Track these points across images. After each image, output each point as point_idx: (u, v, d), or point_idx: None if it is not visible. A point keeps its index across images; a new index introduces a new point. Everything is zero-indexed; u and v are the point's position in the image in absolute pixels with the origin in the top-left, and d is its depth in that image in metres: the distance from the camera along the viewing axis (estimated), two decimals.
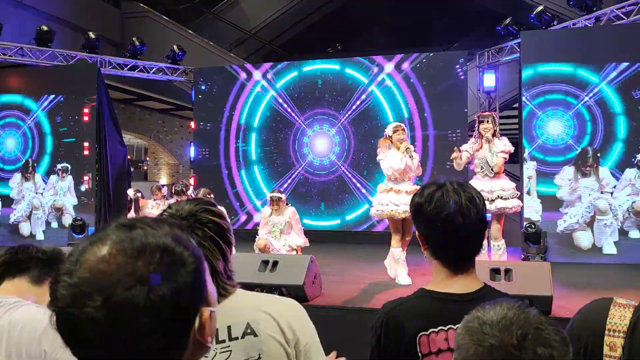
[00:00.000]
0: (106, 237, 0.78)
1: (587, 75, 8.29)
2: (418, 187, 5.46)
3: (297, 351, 1.42)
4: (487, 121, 6.19)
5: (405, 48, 12.27)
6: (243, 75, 11.50)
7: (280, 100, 11.23)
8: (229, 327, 1.38)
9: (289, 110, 11.19)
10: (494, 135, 6.17)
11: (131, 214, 8.10)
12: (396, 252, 6.05)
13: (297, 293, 4.96)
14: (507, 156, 6.19)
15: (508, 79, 10.73)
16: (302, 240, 7.05)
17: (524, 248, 7.75)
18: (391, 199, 5.99)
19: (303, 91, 11.13)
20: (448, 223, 1.53)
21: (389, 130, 6.14)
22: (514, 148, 6.38)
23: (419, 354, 1.51)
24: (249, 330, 1.39)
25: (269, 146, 11.37)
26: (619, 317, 1.39)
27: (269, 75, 11.32)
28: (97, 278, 0.74)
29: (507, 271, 4.73)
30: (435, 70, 10.30)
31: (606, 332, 1.39)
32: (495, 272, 4.74)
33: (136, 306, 0.72)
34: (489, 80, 10.30)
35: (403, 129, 6.13)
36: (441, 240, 1.57)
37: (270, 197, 7.07)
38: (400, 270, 6.06)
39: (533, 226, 7.59)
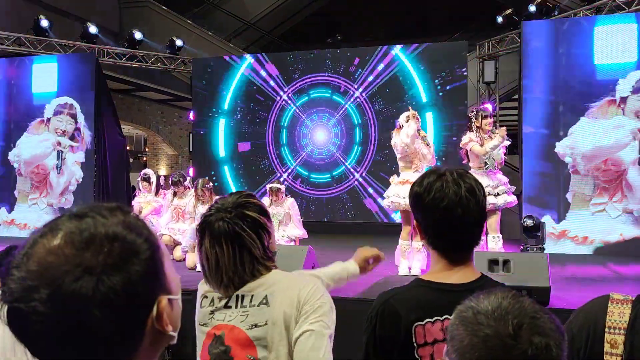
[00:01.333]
0: (56, 229, 0.76)
1: None
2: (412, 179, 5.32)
3: (299, 313, 1.63)
4: (490, 116, 6.18)
5: (405, 38, 12.22)
6: (242, 65, 11.45)
7: (279, 90, 11.19)
8: (252, 296, 1.67)
9: (287, 100, 11.16)
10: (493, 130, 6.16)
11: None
12: (403, 244, 6.04)
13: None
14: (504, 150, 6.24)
15: (508, 69, 10.69)
16: (301, 232, 7.05)
17: (523, 240, 7.75)
18: (402, 191, 5.93)
19: (302, 81, 11.09)
20: (447, 214, 1.52)
21: (401, 120, 6.06)
22: (509, 142, 6.36)
23: (415, 344, 1.51)
24: (264, 301, 1.65)
25: (268, 137, 11.34)
26: (618, 314, 1.39)
27: (267, 66, 11.27)
28: (45, 270, 0.72)
29: (505, 262, 4.73)
30: (435, 61, 10.26)
31: (606, 329, 1.39)
32: (493, 262, 4.74)
33: (84, 297, 0.71)
34: (489, 71, 10.26)
35: (415, 117, 6.01)
36: (440, 230, 1.56)
37: (270, 188, 7.07)
38: (402, 262, 6.04)
39: (532, 218, 7.58)
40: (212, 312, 1.71)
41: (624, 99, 8.10)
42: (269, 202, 7.02)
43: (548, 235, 7.89)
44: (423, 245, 5.46)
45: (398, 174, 6.22)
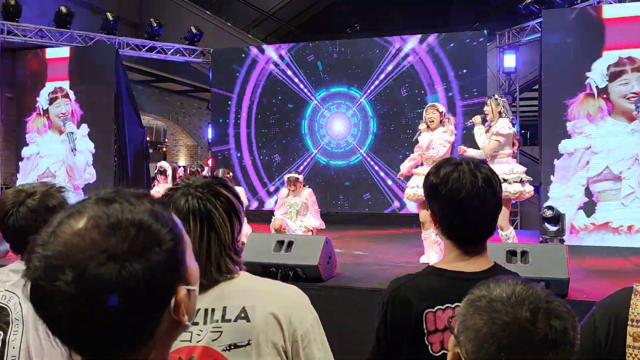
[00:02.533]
0: (84, 211, 0.77)
1: None
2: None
3: (293, 341, 1.35)
4: (487, 104, 6.04)
5: (424, 28, 12.11)
6: (260, 56, 11.46)
7: (297, 81, 11.19)
8: (224, 308, 1.35)
9: (305, 91, 11.15)
10: (497, 117, 5.92)
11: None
12: (423, 234, 6.03)
13: (311, 273, 4.98)
14: (501, 139, 5.80)
15: (529, 59, 10.55)
16: (318, 222, 7.06)
17: (542, 231, 7.67)
18: (412, 182, 6.05)
19: (320, 72, 11.08)
20: (464, 205, 1.51)
21: (420, 126, 6.14)
22: (508, 132, 5.86)
23: (425, 331, 1.51)
24: (242, 315, 1.33)
25: (285, 127, 11.36)
26: None
27: (286, 57, 11.27)
28: (70, 252, 0.73)
29: (523, 253, 4.69)
30: (455, 51, 10.17)
31: (629, 322, 1.38)
32: (511, 254, 4.70)
33: (107, 283, 0.72)
34: (509, 61, 10.14)
35: (432, 108, 6.02)
36: (455, 221, 1.55)
37: (288, 178, 7.08)
38: (428, 251, 6.00)
39: (551, 209, 7.51)
40: None
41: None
42: (287, 192, 7.04)
43: (582, 228, 7.79)
44: (436, 234, 5.43)
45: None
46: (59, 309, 0.73)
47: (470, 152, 6.03)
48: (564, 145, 8.22)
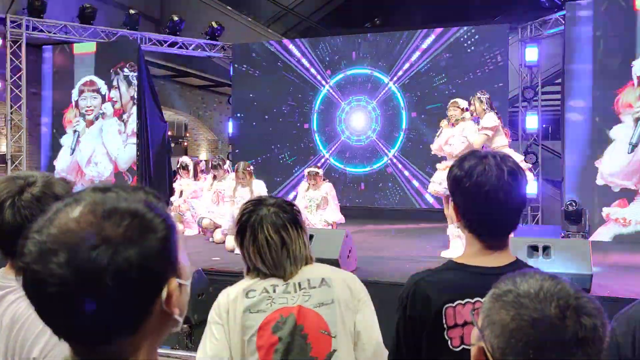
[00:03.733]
0: (80, 199, 0.78)
1: None
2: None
3: (357, 300, 1.84)
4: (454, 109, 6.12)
5: (445, 22, 12.01)
6: (281, 51, 11.48)
7: (317, 76, 11.18)
8: (308, 280, 1.81)
9: (325, 85, 11.15)
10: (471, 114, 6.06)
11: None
12: (450, 227, 6.05)
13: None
14: (489, 132, 5.90)
15: (551, 52, 10.41)
16: (338, 217, 7.07)
17: (564, 226, 7.60)
18: (436, 177, 6.18)
19: (341, 66, 11.06)
20: (488, 199, 1.48)
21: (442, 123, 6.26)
22: (494, 124, 5.94)
23: (445, 326, 1.50)
24: (324, 283, 1.82)
25: (306, 122, 11.37)
26: None
27: (306, 51, 11.27)
28: (65, 236, 0.74)
29: (545, 248, 4.66)
30: (476, 45, 10.08)
31: None
32: (533, 249, 4.68)
33: (99, 266, 0.72)
34: (532, 54, 10.01)
35: (454, 105, 6.12)
36: (479, 215, 1.52)
37: (308, 172, 7.11)
38: (451, 246, 6.03)
39: (574, 204, 7.43)
40: (269, 299, 1.78)
41: None
42: (307, 187, 7.06)
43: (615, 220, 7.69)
44: (457, 227, 5.43)
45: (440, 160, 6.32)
46: (51, 291, 0.73)
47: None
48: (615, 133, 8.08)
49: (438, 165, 6.28)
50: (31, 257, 0.74)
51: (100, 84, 10.81)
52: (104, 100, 10.81)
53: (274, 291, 1.78)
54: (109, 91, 10.77)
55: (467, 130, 5.96)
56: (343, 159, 11.08)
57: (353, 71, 10.98)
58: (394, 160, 10.70)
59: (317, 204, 6.97)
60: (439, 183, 6.06)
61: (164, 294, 0.79)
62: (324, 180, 7.17)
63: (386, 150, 10.75)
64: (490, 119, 5.93)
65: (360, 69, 10.92)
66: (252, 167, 7.19)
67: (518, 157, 5.96)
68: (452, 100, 6.25)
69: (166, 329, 0.83)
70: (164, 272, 0.79)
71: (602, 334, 0.88)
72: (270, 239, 1.79)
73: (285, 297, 1.77)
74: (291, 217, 1.85)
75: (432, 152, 6.43)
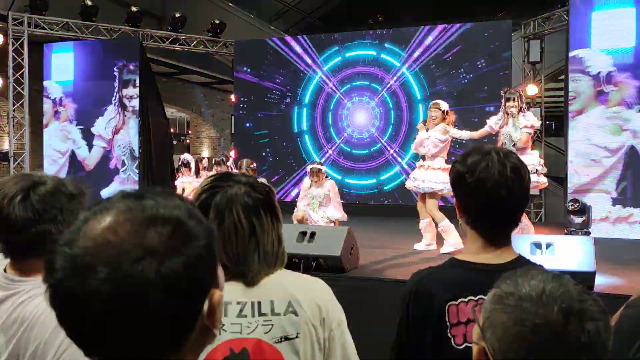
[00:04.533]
0: (111, 206, 0.72)
1: None
2: (435, 165, 5.38)
3: (330, 330, 1.43)
4: (514, 99, 6.10)
5: (447, 18, 11.98)
6: (283, 48, 11.46)
7: (319, 72, 11.17)
8: (272, 302, 1.40)
9: (328, 82, 11.13)
10: (520, 111, 6.04)
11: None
12: (422, 222, 6.37)
13: (334, 264, 4.99)
14: (531, 131, 6.04)
15: (555, 49, 10.37)
16: (341, 214, 7.05)
17: (568, 223, 7.57)
18: (416, 175, 6.37)
19: (343, 63, 11.04)
20: (490, 195, 1.47)
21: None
22: (539, 123, 6.23)
23: (448, 324, 1.49)
24: (290, 309, 1.39)
25: (309, 119, 11.36)
26: None
27: (308, 48, 11.25)
28: (102, 248, 0.67)
29: (548, 245, 4.64)
30: (479, 41, 10.05)
31: None
32: (536, 246, 4.66)
33: (146, 280, 0.66)
34: (534, 50, 9.98)
35: (435, 106, 6.30)
36: (481, 211, 1.51)
37: (310, 169, 7.09)
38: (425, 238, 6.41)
39: (577, 201, 7.40)
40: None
41: None
42: (309, 184, 7.05)
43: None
44: (460, 224, 5.44)
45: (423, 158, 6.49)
46: (90, 310, 0.66)
47: (459, 133, 6.32)
48: None
49: (417, 163, 6.54)
50: (63, 273, 0.67)
51: None
52: None
53: (225, 314, 1.37)
54: None
55: (438, 134, 6.24)
56: (346, 155, 11.06)
57: (355, 68, 10.95)
58: (395, 155, 10.67)
59: (320, 202, 6.96)
60: (413, 179, 6.38)
61: (206, 307, 0.74)
62: (326, 177, 7.14)
63: (388, 147, 10.73)
64: (534, 117, 6.05)
65: (363, 66, 10.90)
66: (255, 164, 7.19)
67: (535, 160, 6.03)
68: (433, 102, 6.42)
69: (205, 344, 0.77)
70: (209, 281, 0.74)
71: (606, 337, 0.87)
72: (239, 224, 1.39)
73: (239, 324, 1.37)
74: (266, 201, 1.44)
75: (412, 151, 6.69)
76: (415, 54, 10.47)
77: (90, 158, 10.83)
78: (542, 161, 6.17)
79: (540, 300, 0.87)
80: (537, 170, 5.93)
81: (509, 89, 6.64)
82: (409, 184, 6.49)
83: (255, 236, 1.41)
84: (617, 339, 0.94)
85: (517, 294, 0.89)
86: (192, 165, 8.42)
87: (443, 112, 6.25)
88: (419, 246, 6.43)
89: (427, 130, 6.32)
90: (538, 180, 5.96)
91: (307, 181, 7.16)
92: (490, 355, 0.90)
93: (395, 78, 10.64)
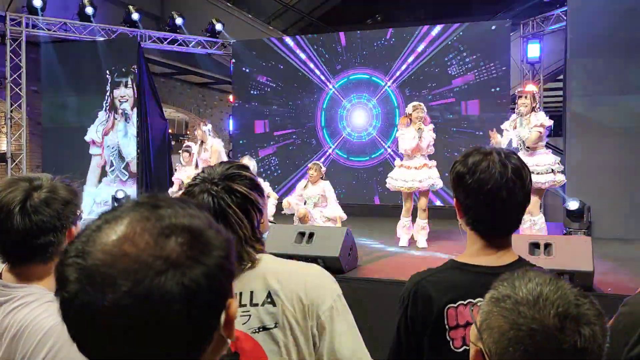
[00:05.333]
0: (125, 215, 0.69)
1: None
2: (428, 163, 5.49)
3: (317, 319, 1.39)
4: (525, 97, 6.17)
5: (446, 18, 11.98)
6: (282, 48, 11.45)
7: (318, 73, 11.16)
8: (251, 293, 1.40)
9: (326, 82, 11.12)
10: (532, 111, 6.09)
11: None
12: (404, 220, 6.64)
13: (333, 265, 4.98)
14: (542, 130, 6.04)
15: (553, 49, 10.37)
16: (340, 212, 7.05)
17: (567, 223, 7.58)
18: (400, 175, 6.51)
19: (341, 63, 11.03)
20: (491, 196, 1.46)
21: (409, 109, 6.60)
22: (552, 122, 6.25)
23: (446, 326, 1.49)
24: (269, 299, 1.39)
25: (306, 119, 11.35)
26: None
27: (306, 48, 11.24)
28: (120, 260, 0.65)
29: (547, 245, 4.64)
30: (478, 41, 10.04)
31: None
32: (534, 246, 4.66)
33: (169, 293, 0.64)
34: (534, 50, 9.97)
35: (422, 108, 6.51)
36: (481, 212, 1.50)
37: (313, 164, 7.16)
38: (403, 236, 6.65)
39: (576, 201, 7.41)
40: None
41: None
42: (305, 184, 7.08)
43: None
44: (459, 225, 5.49)
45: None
46: (110, 325, 0.64)
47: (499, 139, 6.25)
48: None
49: (396, 162, 6.73)
50: (79, 286, 0.64)
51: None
52: None
53: None
54: None
55: (431, 133, 6.53)
56: (345, 155, 11.05)
57: (354, 68, 10.94)
58: (393, 154, 10.67)
59: (315, 202, 6.96)
60: (394, 179, 6.59)
61: (222, 318, 0.72)
62: (322, 178, 7.15)
63: (386, 147, 10.72)
64: (546, 117, 6.14)
65: (361, 66, 10.89)
66: (253, 162, 7.27)
67: (551, 159, 6.10)
68: (416, 103, 6.61)
69: (219, 354, 0.75)
70: (226, 291, 0.72)
71: (602, 341, 0.87)
72: None
73: None
74: (237, 199, 1.42)
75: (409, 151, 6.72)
76: (414, 54, 10.45)
77: (90, 171, 10.76)
78: (559, 159, 6.21)
79: (537, 304, 0.87)
80: (552, 169, 6.04)
81: (522, 89, 6.79)
82: (401, 184, 6.53)
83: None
84: (613, 338, 0.94)
85: (513, 297, 0.89)
86: (194, 150, 8.31)
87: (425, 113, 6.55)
88: (405, 242, 6.66)
89: (420, 130, 6.43)
90: (555, 180, 6.04)
91: (302, 182, 7.18)
92: (487, 357, 0.90)
93: (394, 78, 10.63)
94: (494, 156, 1.48)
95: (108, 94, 10.70)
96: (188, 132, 18.73)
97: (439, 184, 6.53)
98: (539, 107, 6.22)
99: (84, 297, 0.64)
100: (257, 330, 1.39)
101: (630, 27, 7.87)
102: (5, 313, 1.36)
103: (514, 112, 6.41)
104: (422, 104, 6.64)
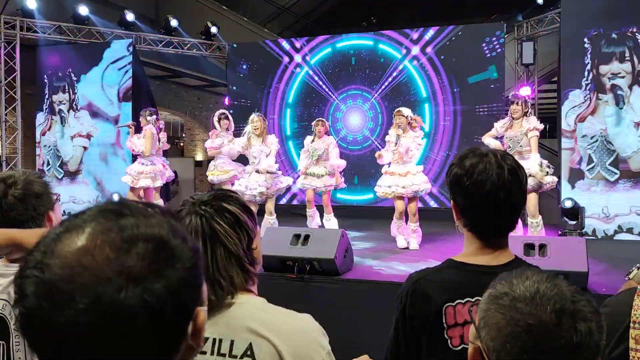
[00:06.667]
0: (86, 225, 0.66)
1: None
2: (411, 170, 5.51)
3: None
4: (517, 103, 6.32)
5: (440, 21, 12.02)
6: (277, 50, 11.46)
7: (314, 75, 11.17)
8: (232, 342, 1.32)
9: (322, 85, 11.13)
10: (524, 116, 6.29)
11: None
12: (398, 222, 6.75)
13: (328, 267, 4.99)
14: (538, 134, 6.21)
15: (547, 51, 10.41)
16: (342, 162, 7.39)
17: (562, 224, 7.61)
18: (385, 181, 6.64)
19: (337, 66, 11.04)
20: (489, 198, 1.47)
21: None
22: (542, 126, 6.38)
23: (445, 325, 1.50)
24: (249, 352, 1.31)
25: (304, 122, 11.35)
26: None
27: (302, 51, 11.26)
28: (79, 274, 0.62)
29: (542, 246, 4.66)
30: (472, 43, 10.07)
31: (631, 324, 1.35)
32: (529, 247, 4.68)
33: (130, 309, 0.62)
34: (528, 52, 10.01)
35: (402, 114, 6.62)
36: (479, 214, 1.52)
37: (318, 120, 7.48)
38: (399, 237, 6.75)
39: (571, 202, 7.44)
40: None
41: None
42: (312, 138, 7.40)
43: None
44: (457, 226, 5.54)
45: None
46: (68, 341, 0.62)
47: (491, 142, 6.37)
48: None
49: (383, 169, 6.80)
50: (37, 301, 0.62)
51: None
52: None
53: None
54: None
55: (417, 138, 6.61)
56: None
57: (349, 70, 10.95)
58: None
59: (319, 155, 7.23)
60: (386, 186, 6.62)
61: (190, 327, 0.70)
62: (326, 133, 7.47)
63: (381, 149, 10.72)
64: (535, 120, 6.32)
65: (357, 68, 10.90)
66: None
67: (542, 160, 6.21)
68: (397, 110, 6.74)
69: None
70: (193, 303, 0.70)
71: (598, 338, 0.88)
72: None
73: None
74: (210, 223, 1.37)
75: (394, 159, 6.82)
76: (409, 56, 10.48)
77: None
78: (547, 162, 6.28)
79: (534, 301, 0.88)
80: (547, 172, 6.14)
81: (515, 93, 6.91)
82: (385, 190, 6.63)
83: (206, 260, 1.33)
84: None
85: (511, 294, 0.90)
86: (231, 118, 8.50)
87: (406, 117, 6.60)
88: (403, 243, 6.71)
89: (398, 136, 6.58)
90: (546, 181, 6.14)
91: (309, 138, 7.51)
92: (485, 355, 0.91)
93: (390, 79, 10.64)
94: (490, 158, 1.49)
95: (47, 97, 10.82)
96: (184, 135, 18.71)
97: (426, 188, 6.61)
98: (530, 112, 6.38)
99: (42, 312, 0.62)
100: None
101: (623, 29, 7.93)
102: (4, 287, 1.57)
103: (507, 115, 6.55)
104: (403, 109, 6.71)
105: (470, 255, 1.55)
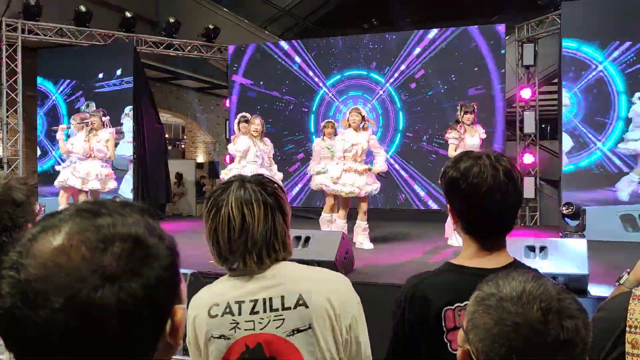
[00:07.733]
0: (62, 225, 0.66)
1: None
2: (358, 167, 5.51)
3: (344, 322, 1.50)
4: (471, 112, 6.78)
5: (441, 22, 12.03)
6: (277, 52, 11.47)
7: (313, 76, 11.17)
8: (282, 297, 1.47)
9: (322, 86, 11.13)
10: (473, 123, 6.82)
11: None
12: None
13: (328, 269, 4.98)
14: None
15: (548, 52, 10.40)
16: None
17: (562, 226, 7.60)
18: (342, 178, 6.76)
19: (336, 67, 11.05)
20: (486, 200, 1.47)
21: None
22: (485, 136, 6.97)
23: (444, 328, 1.50)
24: (301, 302, 1.47)
25: (304, 123, 11.36)
26: (639, 312, 1.34)
27: (302, 53, 11.26)
28: (55, 274, 0.62)
29: (542, 248, 4.65)
30: (473, 45, 10.07)
31: (627, 329, 1.35)
32: (530, 249, 4.67)
33: (105, 308, 0.62)
34: (528, 54, 10.01)
35: (356, 111, 6.81)
36: (477, 216, 1.52)
37: (327, 121, 7.65)
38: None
39: (571, 204, 7.43)
40: (234, 322, 1.46)
41: None
42: (322, 137, 7.50)
43: None
44: (454, 229, 5.55)
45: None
46: (43, 340, 0.62)
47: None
48: None
49: (345, 167, 6.81)
50: (12, 301, 0.62)
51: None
52: None
53: (239, 312, 1.46)
54: None
55: (374, 137, 6.93)
56: None
57: (350, 72, 10.96)
58: (392, 161, 10.68)
59: (332, 152, 7.07)
60: (350, 185, 6.71)
61: (168, 326, 0.71)
62: (334, 134, 7.45)
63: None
64: (481, 128, 6.97)
65: (357, 70, 10.91)
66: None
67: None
68: (354, 107, 6.99)
69: (167, 358, 0.74)
70: (170, 302, 0.70)
71: (585, 335, 0.89)
72: (232, 215, 1.47)
73: (251, 321, 1.45)
74: (264, 195, 1.50)
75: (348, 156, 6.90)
76: (409, 59, 10.48)
77: None
78: None
79: (520, 300, 0.89)
80: None
81: (467, 102, 7.23)
82: (340, 188, 6.70)
83: (245, 227, 1.47)
84: None
85: (498, 295, 0.91)
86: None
87: (363, 117, 6.76)
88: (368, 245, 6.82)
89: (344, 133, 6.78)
90: None
91: (318, 140, 7.64)
92: (474, 357, 0.91)
93: (391, 80, 10.65)
94: (484, 160, 1.50)
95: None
96: (184, 137, 18.73)
97: (376, 187, 6.80)
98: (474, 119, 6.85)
99: (17, 312, 0.62)
100: (291, 333, 1.46)
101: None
102: None
103: (456, 125, 6.88)
104: (360, 107, 6.96)
105: (469, 258, 1.56)
